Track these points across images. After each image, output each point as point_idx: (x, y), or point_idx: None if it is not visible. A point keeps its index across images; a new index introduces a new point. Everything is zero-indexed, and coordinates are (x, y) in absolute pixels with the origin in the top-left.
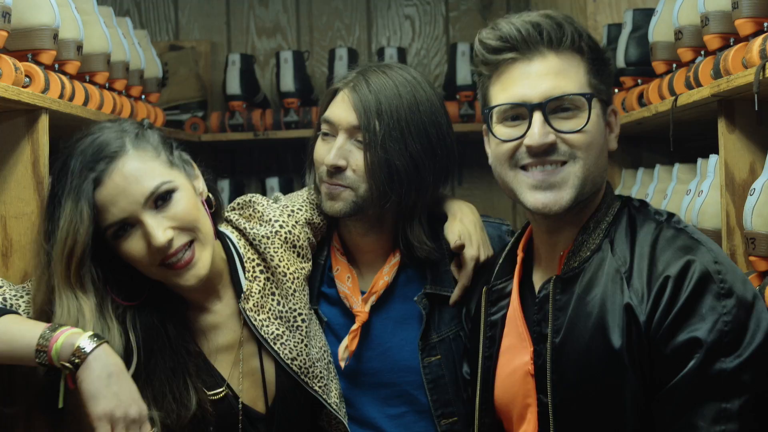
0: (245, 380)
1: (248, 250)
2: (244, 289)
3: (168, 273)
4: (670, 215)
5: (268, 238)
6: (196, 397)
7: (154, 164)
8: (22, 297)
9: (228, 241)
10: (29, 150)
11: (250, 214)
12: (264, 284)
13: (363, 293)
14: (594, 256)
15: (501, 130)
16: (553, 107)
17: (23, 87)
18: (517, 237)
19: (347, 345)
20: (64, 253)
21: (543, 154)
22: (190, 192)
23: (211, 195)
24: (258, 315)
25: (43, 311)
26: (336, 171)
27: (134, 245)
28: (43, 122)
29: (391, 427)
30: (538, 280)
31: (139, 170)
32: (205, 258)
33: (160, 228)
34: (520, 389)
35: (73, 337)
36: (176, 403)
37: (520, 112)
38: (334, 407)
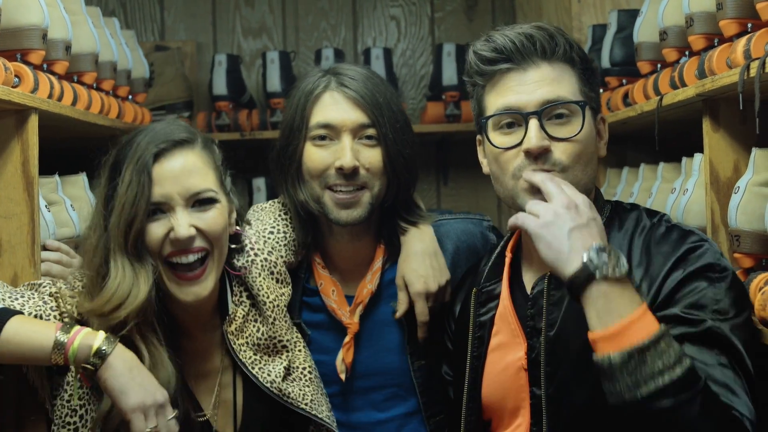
0: (219, 408)
1: (236, 277)
2: (230, 312)
3: (172, 279)
4: (662, 215)
5: (245, 267)
6: (183, 407)
7: (210, 171)
8: (16, 299)
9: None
10: (19, 150)
11: None
12: (248, 310)
13: (348, 297)
14: None
15: (497, 138)
16: (549, 114)
17: (13, 87)
18: (506, 240)
19: (343, 358)
20: (121, 221)
21: (538, 159)
22: (225, 214)
23: (238, 228)
24: (237, 339)
25: (99, 273)
26: (354, 172)
27: (156, 230)
28: (33, 122)
29: (382, 431)
30: (528, 278)
31: (197, 167)
32: (211, 279)
33: (186, 223)
34: (513, 385)
35: (89, 338)
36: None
37: (515, 119)
38: (327, 420)
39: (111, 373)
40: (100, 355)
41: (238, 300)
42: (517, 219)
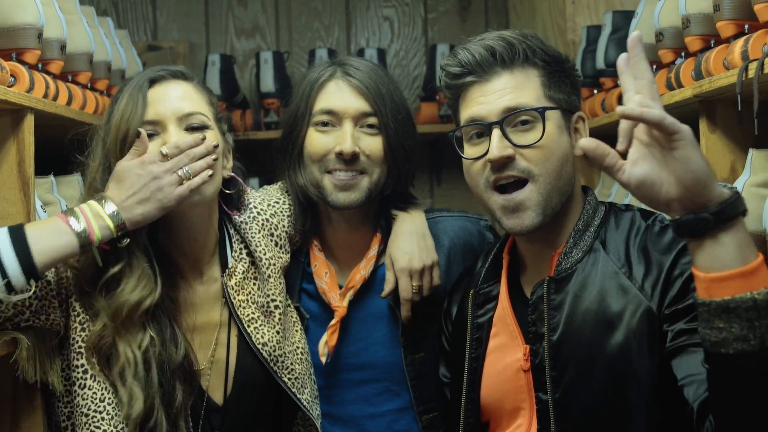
0: (214, 365)
1: (236, 233)
2: (230, 266)
3: None
4: (656, 215)
5: (246, 223)
6: (183, 346)
7: (204, 103)
8: None
9: (223, 222)
10: (14, 150)
11: None
12: (248, 267)
13: (341, 287)
14: (586, 256)
15: (468, 150)
16: (512, 122)
17: (8, 86)
18: (501, 242)
19: (326, 340)
20: (118, 136)
21: (503, 167)
22: (219, 148)
23: (233, 174)
24: (237, 295)
25: (93, 186)
26: (353, 158)
27: (152, 147)
28: (29, 122)
29: (374, 425)
30: (526, 281)
31: (190, 94)
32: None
33: (178, 137)
34: (512, 386)
35: (97, 218)
36: (171, 342)
37: (482, 130)
38: (305, 404)
39: (130, 212)
40: (116, 220)
41: (238, 256)
42: (665, 117)
